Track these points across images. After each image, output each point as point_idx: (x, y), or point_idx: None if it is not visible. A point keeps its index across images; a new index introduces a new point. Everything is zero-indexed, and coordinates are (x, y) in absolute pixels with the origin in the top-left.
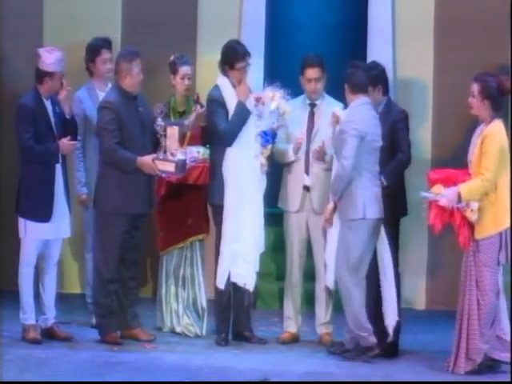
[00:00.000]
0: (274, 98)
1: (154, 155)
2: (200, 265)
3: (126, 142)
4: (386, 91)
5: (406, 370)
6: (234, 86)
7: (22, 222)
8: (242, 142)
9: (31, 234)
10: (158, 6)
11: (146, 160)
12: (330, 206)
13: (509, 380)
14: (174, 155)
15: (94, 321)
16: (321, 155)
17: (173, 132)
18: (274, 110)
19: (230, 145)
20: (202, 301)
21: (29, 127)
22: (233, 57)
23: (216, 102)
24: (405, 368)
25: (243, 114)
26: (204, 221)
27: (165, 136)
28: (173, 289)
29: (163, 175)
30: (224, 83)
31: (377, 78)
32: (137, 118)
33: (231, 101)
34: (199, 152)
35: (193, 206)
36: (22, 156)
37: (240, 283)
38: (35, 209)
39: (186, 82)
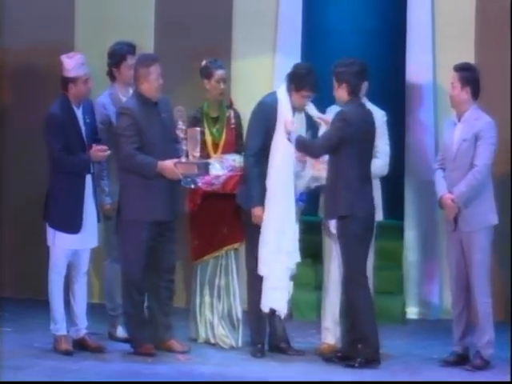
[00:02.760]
0: (317, 166)
1: (176, 160)
2: (235, 274)
3: (147, 148)
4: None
5: None
6: (294, 108)
7: (50, 230)
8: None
9: (60, 243)
10: (191, 9)
11: (168, 164)
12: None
13: (509, 380)
14: (196, 158)
15: (117, 332)
16: None
17: (194, 134)
18: (313, 176)
19: (247, 162)
20: (238, 311)
21: (59, 137)
22: (302, 83)
23: (263, 113)
24: None
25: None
26: (239, 229)
27: (186, 139)
28: (207, 299)
29: (190, 184)
30: (284, 96)
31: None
32: (158, 124)
33: (285, 113)
34: (235, 160)
35: (228, 214)
36: (52, 166)
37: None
38: (65, 220)
39: (222, 85)
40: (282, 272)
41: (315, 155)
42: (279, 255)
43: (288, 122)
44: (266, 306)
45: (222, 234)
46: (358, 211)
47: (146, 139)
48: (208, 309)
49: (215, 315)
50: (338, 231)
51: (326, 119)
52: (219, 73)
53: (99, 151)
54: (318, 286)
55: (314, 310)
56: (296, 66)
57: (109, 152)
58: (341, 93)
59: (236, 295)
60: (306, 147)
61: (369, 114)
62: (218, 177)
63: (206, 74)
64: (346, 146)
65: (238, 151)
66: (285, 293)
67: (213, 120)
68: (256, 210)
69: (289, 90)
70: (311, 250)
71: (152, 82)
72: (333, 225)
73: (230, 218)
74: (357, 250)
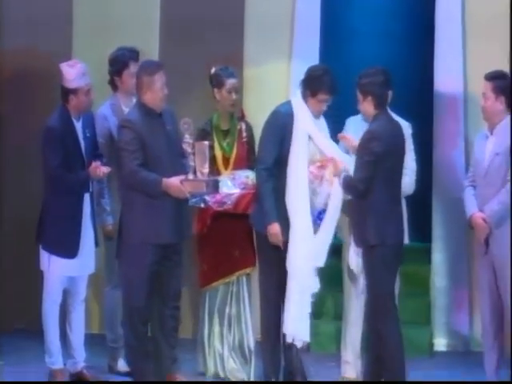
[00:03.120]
0: (333, 184)
1: (182, 176)
2: (247, 302)
3: (151, 164)
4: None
5: None
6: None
7: (44, 254)
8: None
9: (55, 268)
10: (199, 11)
11: (174, 182)
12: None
13: (509, 380)
14: (204, 174)
15: (118, 365)
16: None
17: (202, 148)
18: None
19: (259, 177)
20: (250, 342)
21: (58, 153)
22: (317, 85)
23: (278, 122)
24: None
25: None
26: (251, 252)
27: (193, 154)
28: (217, 329)
29: (199, 203)
30: (300, 104)
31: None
32: (163, 137)
33: (302, 121)
34: (248, 177)
35: (239, 236)
36: (48, 183)
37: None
38: (60, 243)
39: (233, 96)
40: (306, 299)
41: (360, 193)
42: (304, 280)
43: (338, 162)
44: (290, 336)
45: (233, 258)
46: (388, 239)
47: (150, 154)
48: (217, 339)
49: (225, 346)
50: (364, 258)
51: (348, 139)
52: (231, 82)
53: (99, 168)
54: (338, 316)
55: (333, 342)
56: (310, 69)
57: (109, 169)
58: (366, 106)
59: (248, 325)
60: (349, 186)
61: (399, 128)
62: (229, 195)
63: (217, 82)
64: (375, 167)
65: (250, 167)
66: (307, 321)
67: (223, 133)
68: (272, 228)
69: (304, 97)
70: (329, 277)
71: (156, 92)
72: (354, 249)
73: (241, 240)
74: (385, 278)
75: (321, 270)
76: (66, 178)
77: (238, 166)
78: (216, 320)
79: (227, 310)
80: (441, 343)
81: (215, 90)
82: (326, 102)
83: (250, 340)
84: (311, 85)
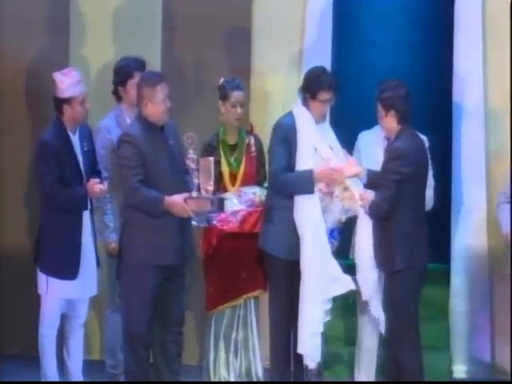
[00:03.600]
0: (345, 198)
1: (186, 194)
2: (255, 326)
3: (152, 181)
4: None
5: None
6: (316, 121)
7: (42, 277)
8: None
9: (53, 291)
10: (203, 18)
11: (176, 200)
12: None
13: (509, 380)
14: (209, 192)
15: None
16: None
17: (207, 164)
18: (343, 208)
19: (274, 191)
20: (258, 369)
21: (53, 169)
22: (316, 85)
23: (282, 134)
24: None
25: (305, 185)
26: (260, 274)
27: (197, 170)
28: (223, 355)
29: (203, 223)
30: (301, 112)
31: None
32: (165, 153)
33: (306, 132)
34: (255, 194)
35: (247, 257)
36: (44, 202)
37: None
38: (59, 265)
39: (239, 110)
40: (318, 315)
41: (384, 213)
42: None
43: (364, 195)
44: (305, 357)
45: (240, 280)
46: (416, 262)
47: (151, 170)
48: (223, 366)
49: (231, 374)
50: (388, 283)
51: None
52: (236, 95)
53: (96, 185)
54: (351, 341)
55: (345, 367)
56: (306, 73)
57: (106, 187)
58: (389, 121)
59: (256, 351)
60: (376, 210)
61: (422, 144)
62: (235, 213)
63: (221, 95)
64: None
65: (259, 182)
66: (319, 340)
67: (230, 148)
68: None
69: (305, 102)
70: (342, 300)
71: (158, 104)
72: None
73: (249, 261)
74: (409, 304)
75: None
76: (62, 196)
77: (245, 182)
78: (222, 345)
79: (233, 335)
80: (460, 370)
81: (220, 102)
82: (329, 102)
83: (258, 367)
84: (310, 87)
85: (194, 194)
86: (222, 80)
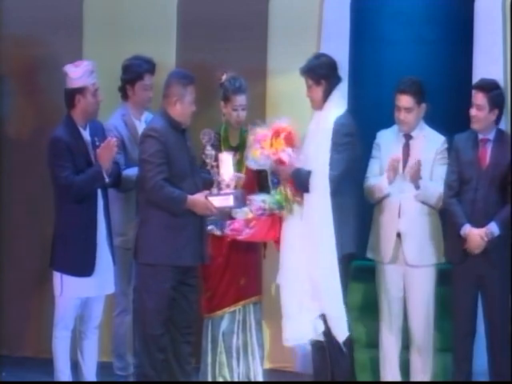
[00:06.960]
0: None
1: (207, 192)
2: (254, 331)
3: (175, 179)
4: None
5: None
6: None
7: (57, 277)
8: None
9: (69, 291)
10: (219, 17)
11: (199, 198)
12: None
13: (509, 380)
14: (230, 187)
15: None
16: (416, 174)
17: (226, 158)
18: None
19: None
20: (257, 374)
21: (66, 163)
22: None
23: None
24: None
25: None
26: (258, 281)
27: (217, 166)
28: (223, 359)
29: (217, 229)
30: None
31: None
32: (186, 153)
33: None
34: (264, 201)
35: (246, 263)
36: (59, 197)
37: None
38: (74, 261)
39: (240, 113)
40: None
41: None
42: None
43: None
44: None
45: (238, 287)
46: None
47: (176, 170)
48: (226, 369)
49: (235, 379)
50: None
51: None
52: (238, 99)
53: (105, 148)
54: (372, 344)
55: (367, 372)
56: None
57: (116, 143)
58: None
59: (255, 355)
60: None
61: None
62: (248, 222)
63: (223, 96)
64: None
65: (262, 186)
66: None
67: (233, 149)
68: None
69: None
70: (362, 301)
71: (187, 105)
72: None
73: (248, 267)
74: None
75: (353, 294)
76: (78, 180)
77: (247, 186)
78: (222, 349)
79: (234, 341)
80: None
81: (222, 102)
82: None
83: (258, 371)
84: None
85: (215, 190)
86: (224, 77)
